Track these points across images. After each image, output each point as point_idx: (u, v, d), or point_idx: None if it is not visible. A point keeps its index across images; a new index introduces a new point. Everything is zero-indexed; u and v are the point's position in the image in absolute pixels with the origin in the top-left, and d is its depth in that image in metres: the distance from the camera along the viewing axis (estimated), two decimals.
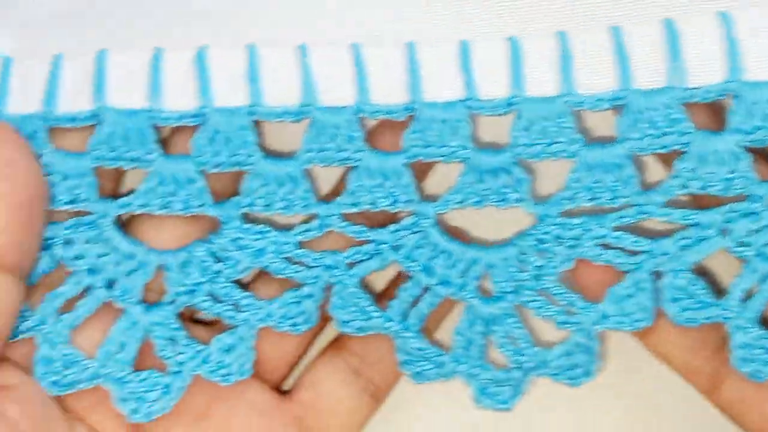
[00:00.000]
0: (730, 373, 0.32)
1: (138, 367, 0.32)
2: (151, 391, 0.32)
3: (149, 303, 0.33)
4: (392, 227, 0.33)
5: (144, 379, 0.32)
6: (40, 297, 0.32)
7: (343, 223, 0.32)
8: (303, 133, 0.32)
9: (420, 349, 0.33)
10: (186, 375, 0.32)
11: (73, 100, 0.32)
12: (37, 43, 0.33)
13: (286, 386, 0.36)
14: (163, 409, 0.32)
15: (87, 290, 0.32)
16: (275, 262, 0.32)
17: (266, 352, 0.34)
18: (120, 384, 0.32)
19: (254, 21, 0.32)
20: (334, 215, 0.32)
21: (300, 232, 0.32)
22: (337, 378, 0.34)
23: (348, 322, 0.33)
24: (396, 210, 0.32)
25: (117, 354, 0.32)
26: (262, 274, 0.34)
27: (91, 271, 0.32)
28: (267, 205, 0.32)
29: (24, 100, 0.32)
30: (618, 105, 0.31)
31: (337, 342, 0.35)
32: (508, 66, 0.31)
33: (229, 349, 0.33)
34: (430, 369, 0.33)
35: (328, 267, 0.33)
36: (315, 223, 0.32)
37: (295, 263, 0.33)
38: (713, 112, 0.32)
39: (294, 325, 0.33)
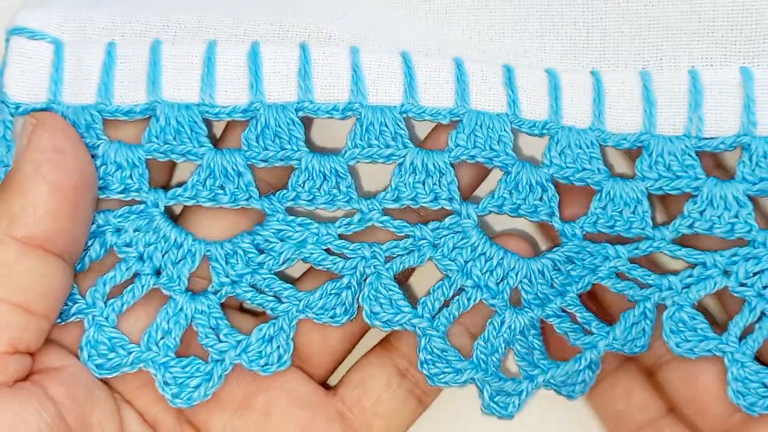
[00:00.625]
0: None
1: (181, 354, 0.33)
2: (193, 377, 0.33)
3: (194, 292, 0.34)
4: (433, 225, 0.34)
5: (186, 366, 0.33)
6: (90, 282, 0.33)
7: (384, 218, 0.34)
8: (348, 131, 0.33)
9: (443, 351, 0.34)
10: (227, 363, 0.33)
11: (128, 92, 0.33)
12: (83, 27, 0.33)
13: (333, 381, 0.37)
14: (203, 396, 0.33)
15: (135, 277, 0.33)
16: (315, 254, 0.34)
17: (311, 345, 0.35)
18: (163, 369, 0.33)
19: (303, 19, 0.34)
20: (375, 210, 0.34)
21: (341, 225, 0.34)
22: (383, 378, 0.35)
23: (377, 314, 0.34)
24: (437, 207, 0.34)
25: (161, 340, 0.33)
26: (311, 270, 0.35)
27: (140, 258, 0.33)
28: (311, 200, 0.33)
29: (79, 89, 0.33)
30: (639, 146, 0.34)
31: (386, 342, 0.36)
32: (546, 94, 0.34)
33: (269, 340, 0.34)
34: (449, 373, 0.34)
35: (366, 258, 0.34)
36: (356, 217, 0.34)
37: (334, 254, 0.34)
38: (716, 159, 0.35)
39: (333, 316, 0.34)
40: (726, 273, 0.34)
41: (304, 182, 0.33)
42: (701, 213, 0.34)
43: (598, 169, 0.34)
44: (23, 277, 0.29)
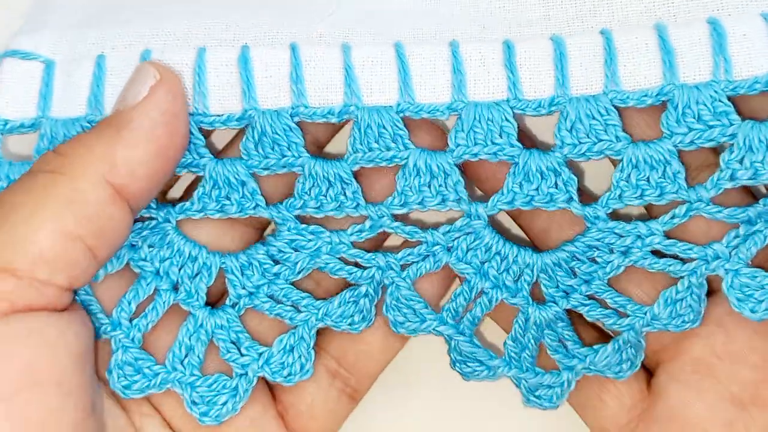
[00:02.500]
0: (580, 381, 0.34)
1: (205, 366, 0.33)
2: (220, 394, 0.33)
3: (213, 306, 0.34)
4: (444, 228, 0.33)
5: (212, 384, 0.33)
6: (105, 292, 0.33)
7: (395, 224, 0.33)
8: (348, 135, 0.32)
9: (471, 353, 0.34)
10: (251, 377, 0.33)
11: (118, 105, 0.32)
12: (75, 45, 0.33)
13: None
14: (231, 411, 0.33)
15: (155, 293, 0.33)
16: (330, 263, 0.33)
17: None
18: (190, 388, 0.33)
19: (294, 19, 0.33)
20: (385, 216, 0.33)
21: (353, 233, 0.33)
22: (315, 381, 0.34)
23: (402, 323, 0.34)
24: (446, 209, 0.33)
25: (185, 358, 0.33)
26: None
27: (157, 273, 0.33)
28: (318, 207, 0.33)
29: (69, 103, 0.33)
30: (663, 100, 0.31)
31: (316, 344, 0.35)
32: (551, 65, 0.32)
33: (290, 350, 0.33)
34: (482, 371, 0.34)
35: (381, 268, 0.33)
36: (367, 223, 0.33)
37: (350, 264, 0.33)
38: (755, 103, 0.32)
39: (351, 324, 0.33)
40: None
41: (309, 189, 0.33)
42: (740, 161, 0.31)
43: (617, 137, 0.31)
44: (103, 222, 0.30)
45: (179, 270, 0.33)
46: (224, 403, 0.33)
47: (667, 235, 0.32)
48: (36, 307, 0.29)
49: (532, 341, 0.33)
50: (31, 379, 0.28)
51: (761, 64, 0.30)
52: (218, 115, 0.32)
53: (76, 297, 0.32)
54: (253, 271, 0.33)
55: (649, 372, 0.35)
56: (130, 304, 0.33)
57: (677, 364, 0.33)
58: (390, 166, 0.32)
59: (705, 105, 0.31)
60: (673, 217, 0.32)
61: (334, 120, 0.32)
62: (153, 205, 0.33)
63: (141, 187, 0.30)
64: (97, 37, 0.33)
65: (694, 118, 0.31)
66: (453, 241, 0.33)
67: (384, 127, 0.32)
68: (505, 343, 0.34)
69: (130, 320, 0.33)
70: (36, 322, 0.29)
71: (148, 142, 0.30)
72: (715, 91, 0.31)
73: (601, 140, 0.31)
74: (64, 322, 0.29)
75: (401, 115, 0.32)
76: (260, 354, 0.33)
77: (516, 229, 0.36)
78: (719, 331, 0.33)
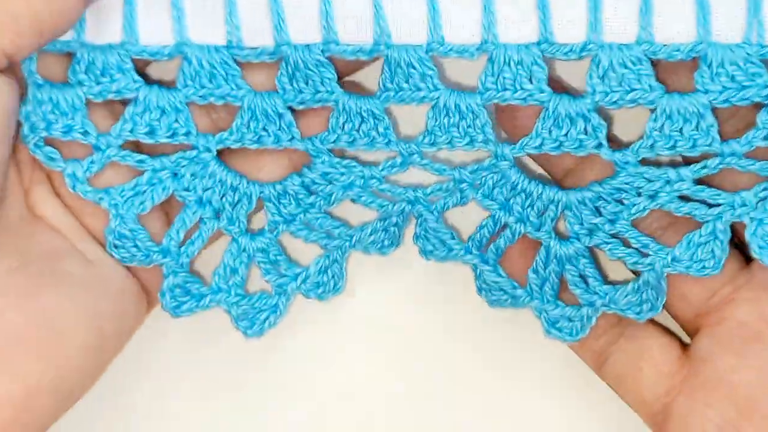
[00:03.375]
0: (613, 352, 0.34)
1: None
2: (262, 311, 0.36)
3: (253, 232, 0.36)
4: (472, 166, 0.34)
5: (255, 301, 0.36)
6: (154, 223, 0.35)
7: (425, 161, 0.34)
8: (379, 72, 0.33)
9: (496, 282, 0.35)
10: (290, 294, 0.36)
11: (153, 32, 0.33)
12: None
13: None
14: (273, 325, 0.36)
15: (200, 221, 0.35)
16: (363, 195, 0.35)
17: None
18: (235, 307, 0.36)
19: None
20: (415, 153, 0.34)
21: (384, 168, 0.34)
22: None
23: (431, 251, 0.35)
24: (474, 150, 0.33)
25: (230, 279, 0.36)
26: None
27: (200, 202, 0.35)
28: (351, 141, 0.34)
29: (103, 27, 0.33)
30: (694, 56, 0.31)
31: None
32: (585, 8, 0.31)
33: (324, 270, 0.36)
34: (506, 300, 0.35)
35: (411, 201, 0.35)
36: (398, 159, 0.34)
37: (382, 196, 0.35)
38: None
39: (381, 248, 0.36)
40: None
41: (343, 124, 0.34)
42: None
43: (650, 86, 0.31)
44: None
45: (221, 198, 0.35)
46: (266, 319, 0.36)
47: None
48: None
49: (553, 275, 0.35)
50: None
51: None
52: (252, 48, 0.33)
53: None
54: (289, 200, 0.35)
55: (682, 342, 0.35)
56: (178, 232, 0.35)
57: (722, 328, 0.33)
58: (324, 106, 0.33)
59: (738, 66, 0.30)
60: (704, 167, 0.32)
61: (364, 57, 0.32)
62: (193, 134, 0.34)
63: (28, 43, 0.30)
64: None
65: (727, 77, 0.31)
66: (480, 179, 0.34)
67: (413, 66, 0.32)
68: (527, 276, 0.35)
69: (179, 247, 0.35)
70: None
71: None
72: (748, 53, 0.30)
73: (635, 89, 0.31)
74: None
75: (430, 54, 0.32)
76: (297, 274, 0.36)
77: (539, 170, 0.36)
78: (765, 295, 0.33)
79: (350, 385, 0.39)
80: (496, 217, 0.34)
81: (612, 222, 0.33)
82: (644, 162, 0.33)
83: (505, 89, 0.32)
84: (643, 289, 0.34)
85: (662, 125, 0.31)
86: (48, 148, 0.33)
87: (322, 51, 0.32)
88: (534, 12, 0.31)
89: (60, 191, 0.34)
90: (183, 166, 0.34)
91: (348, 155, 0.35)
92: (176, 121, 0.33)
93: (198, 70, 0.33)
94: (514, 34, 0.31)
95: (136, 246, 0.34)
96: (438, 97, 0.32)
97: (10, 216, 0.33)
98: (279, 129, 0.34)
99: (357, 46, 0.32)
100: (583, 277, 0.34)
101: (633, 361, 0.34)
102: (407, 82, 0.32)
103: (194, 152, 0.34)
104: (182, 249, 0.35)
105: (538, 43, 0.31)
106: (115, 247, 0.34)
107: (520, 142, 0.33)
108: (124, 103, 0.34)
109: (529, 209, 0.34)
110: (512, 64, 0.32)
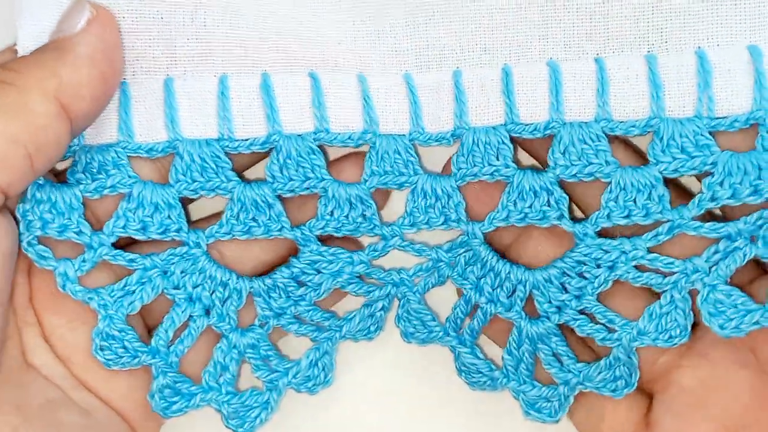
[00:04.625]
0: (578, 407, 0.36)
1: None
2: (252, 408, 0.36)
3: (243, 327, 0.36)
4: (447, 245, 0.36)
5: (246, 398, 0.36)
6: (140, 322, 0.35)
7: (405, 243, 0.35)
8: (365, 159, 0.34)
9: (472, 364, 0.36)
10: (281, 389, 0.36)
11: (148, 130, 0.34)
12: None
13: None
14: (264, 421, 0.36)
15: (189, 319, 0.35)
16: (352, 283, 0.36)
17: None
18: (226, 405, 0.35)
19: (312, 45, 0.34)
20: (397, 236, 0.35)
21: (369, 252, 0.35)
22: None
23: (412, 333, 0.36)
24: (448, 229, 0.35)
25: (220, 377, 0.35)
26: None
27: (190, 299, 0.35)
28: (338, 228, 0.35)
29: (100, 128, 0.34)
30: (649, 131, 0.34)
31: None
32: (547, 91, 0.34)
33: (315, 363, 0.36)
34: (485, 382, 0.36)
35: (396, 284, 0.36)
36: (380, 244, 0.35)
37: (368, 282, 0.36)
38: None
39: (368, 334, 0.37)
40: (753, 240, 0.33)
41: (332, 210, 0.35)
42: (720, 184, 0.33)
43: (606, 161, 0.34)
44: (47, 135, 0.31)
45: (211, 295, 0.35)
46: (257, 416, 0.36)
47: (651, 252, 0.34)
48: None
49: (527, 355, 0.36)
50: None
51: (741, 102, 0.33)
52: (243, 140, 0.34)
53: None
54: (279, 294, 0.36)
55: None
56: (167, 332, 0.35)
57: (670, 394, 0.35)
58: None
59: (688, 138, 0.33)
60: (656, 235, 0.34)
61: (352, 145, 0.34)
62: (184, 230, 0.34)
63: (84, 108, 0.31)
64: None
65: (678, 149, 0.33)
66: (455, 257, 0.36)
67: (399, 153, 0.34)
68: (502, 357, 0.36)
69: (168, 347, 0.35)
70: None
71: (91, 66, 0.31)
72: (698, 126, 0.33)
73: (592, 164, 0.34)
74: None
75: (412, 142, 0.34)
76: (288, 369, 0.36)
77: None
78: (704, 362, 0.35)
79: None
80: (468, 297, 0.36)
81: (578, 298, 0.35)
82: (602, 234, 0.35)
83: (474, 166, 0.34)
84: (615, 365, 0.35)
85: (617, 196, 0.34)
86: (40, 247, 0.33)
87: (314, 139, 0.34)
88: (500, 96, 0.34)
89: (50, 339, 0.34)
90: (173, 264, 0.34)
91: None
92: (169, 217, 0.34)
93: (189, 164, 0.34)
94: (483, 117, 0.34)
95: (124, 347, 0.34)
96: (416, 181, 0.34)
97: (10, 365, 0.33)
98: (269, 219, 0.34)
99: (347, 133, 0.34)
100: (556, 356, 0.35)
101: (595, 422, 0.36)
102: (391, 167, 0.34)
103: (184, 248, 0.35)
104: (171, 348, 0.35)
105: (505, 124, 0.34)
106: (101, 349, 0.34)
107: (488, 217, 0.35)
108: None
109: (498, 290, 0.35)
110: (481, 144, 0.34)
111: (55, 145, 0.31)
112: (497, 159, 0.34)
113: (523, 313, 0.35)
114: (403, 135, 0.34)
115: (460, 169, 0.34)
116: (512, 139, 0.34)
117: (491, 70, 0.34)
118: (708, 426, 0.34)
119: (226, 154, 0.34)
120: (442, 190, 0.35)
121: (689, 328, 0.34)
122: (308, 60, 0.34)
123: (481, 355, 0.36)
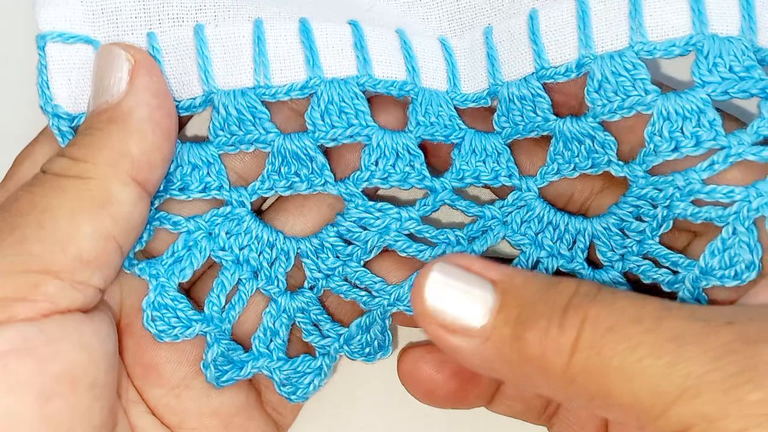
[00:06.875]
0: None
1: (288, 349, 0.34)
2: (305, 375, 0.34)
3: (292, 290, 0.34)
4: (499, 203, 0.34)
5: (298, 365, 0.34)
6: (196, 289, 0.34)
7: (455, 197, 0.34)
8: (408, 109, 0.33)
9: None
10: (333, 355, 0.34)
11: (183, 86, 0.32)
12: (116, 19, 0.32)
13: None
14: (317, 387, 0.34)
15: (238, 283, 0.34)
16: (399, 241, 0.34)
17: None
18: (278, 372, 0.34)
19: (343, 9, 0.33)
20: (447, 189, 0.34)
21: (419, 208, 0.34)
22: None
23: None
24: (499, 185, 0.34)
25: (271, 342, 0.34)
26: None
27: (237, 261, 0.33)
28: (385, 179, 0.33)
29: None
30: (691, 50, 0.31)
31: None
32: (575, 27, 0.32)
33: (366, 330, 0.34)
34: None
35: (451, 243, 0.34)
36: (430, 198, 0.34)
37: (418, 240, 0.34)
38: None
39: None
40: None
41: (377, 160, 0.33)
42: None
43: (645, 91, 0.31)
44: (134, 220, 0.30)
45: (258, 256, 0.34)
46: (310, 383, 0.34)
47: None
48: (73, 308, 0.29)
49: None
50: (69, 380, 0.28)
51: None
52: (281, 86, 0.32)
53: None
54: (327, 254, 0.34)
55: None
56: (219, 297, 0.33)
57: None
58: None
59: (736, 57, 0.31)
60: (711, 164, 0.31)
61: (394, 93, 0.33)
62: (225, 188, 0.33)
63: (159, 175, 0.31)
64: (137, 8, 0.32)
65: (725, 68, 0.31)
66: (507, 215, 0.34)
67: (442, 107, 0.34)
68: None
69: (221, 312, 0.33)
70: (73, 323, 0.29)
71: (154, 128, 0.30)
72: (745, 46, 0.31)
73: (629, 96, 0.31)
74: (96, 322, 0.30)
75: (453, 99, 0.34)
76: (340, 335, 0.34)
77: None
78: None
79: None
80: (528, 253, 0.34)
81: (639, 243, 0.33)
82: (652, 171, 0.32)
83: (516, 123, 0.33)
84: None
85: (661, 128, 0.31)
86: None
87: (358, 84, 0.32)
88: (528, 44, 0.33)
89: (156, 411, 0.34)
90: (217, 225, 0.33)
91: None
92: (208, 174, 0.33)
93: (225, 117, 0.32)
94: (515, 68, 0.33)
95: (177, 317, 0.32)
96: (464, 137, 0.33)
97: None
98: (311, 173, 0.33)
99: (390, 80, 0.33)
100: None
101: None
102: (437, 117, 0.33)
103: (228, 208, 0.33)
104: (224, 315, 0.33)
105: (536, 72, 0.33)
106: (153, 320, 0.32)
107: (540, 171, 0.34)
108: None
109: (559, 242, 0.34)
110: (516, 99, 0.33)
111: (140, 227, 0.31)
112: (534, 113, 0.33)
113: (585, 264, 0.34)
114: (445, 92, 0.34)
115: (504, 128, 0.34)
116: (547, 89, 0.33)
117: (519, 18, 0.33)
118: None
119: (263, 102, 0.32)
120: (492, 146, 0.34)
121: (757, 263, 0.31)
122: (343, 15, 0.33)
123: None
